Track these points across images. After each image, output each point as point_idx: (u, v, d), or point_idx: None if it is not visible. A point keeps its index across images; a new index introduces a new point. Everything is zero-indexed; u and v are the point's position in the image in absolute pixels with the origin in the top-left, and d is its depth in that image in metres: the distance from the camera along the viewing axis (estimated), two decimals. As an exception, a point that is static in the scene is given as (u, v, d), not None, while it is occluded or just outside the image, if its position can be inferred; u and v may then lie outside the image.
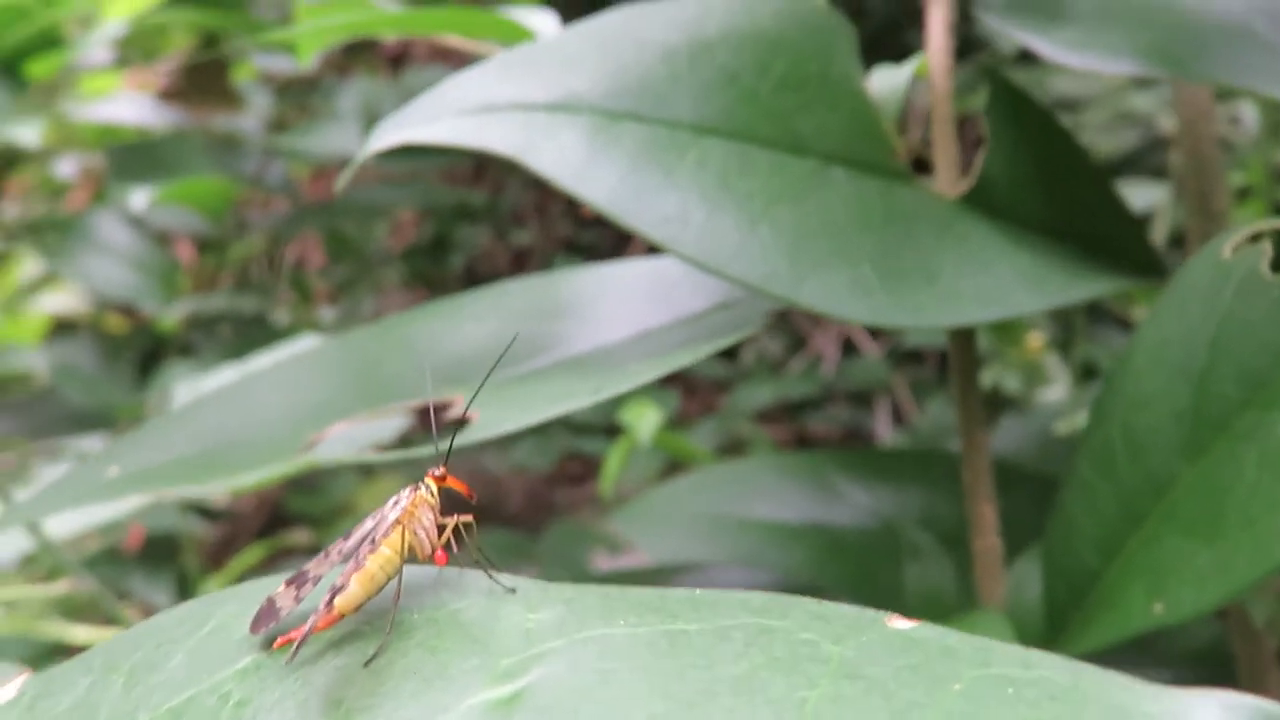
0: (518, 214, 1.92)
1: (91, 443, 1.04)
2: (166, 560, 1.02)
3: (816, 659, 0.16)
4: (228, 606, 0.22)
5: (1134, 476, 0.37)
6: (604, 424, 1.56)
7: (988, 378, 1.16)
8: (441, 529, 0.22)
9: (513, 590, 0.20)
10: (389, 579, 0.20)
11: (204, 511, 1.11)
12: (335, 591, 0.20)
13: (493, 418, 0.36)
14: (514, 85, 0.39)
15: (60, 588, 0.53)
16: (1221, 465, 0.34)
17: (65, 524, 0.57)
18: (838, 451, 0.65)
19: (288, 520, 1.52)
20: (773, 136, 0.41)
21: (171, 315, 1.14)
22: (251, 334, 1.07)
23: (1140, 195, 1.05)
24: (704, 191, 0.39)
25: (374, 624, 0.20)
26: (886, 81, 0.45)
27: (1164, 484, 0.36)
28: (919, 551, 0.45)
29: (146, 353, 1.16)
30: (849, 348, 1.69)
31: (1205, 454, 0.35)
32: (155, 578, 0.97)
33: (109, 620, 1.07)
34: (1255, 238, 0.36)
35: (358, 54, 1.58)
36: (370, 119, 1.13)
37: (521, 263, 1.86)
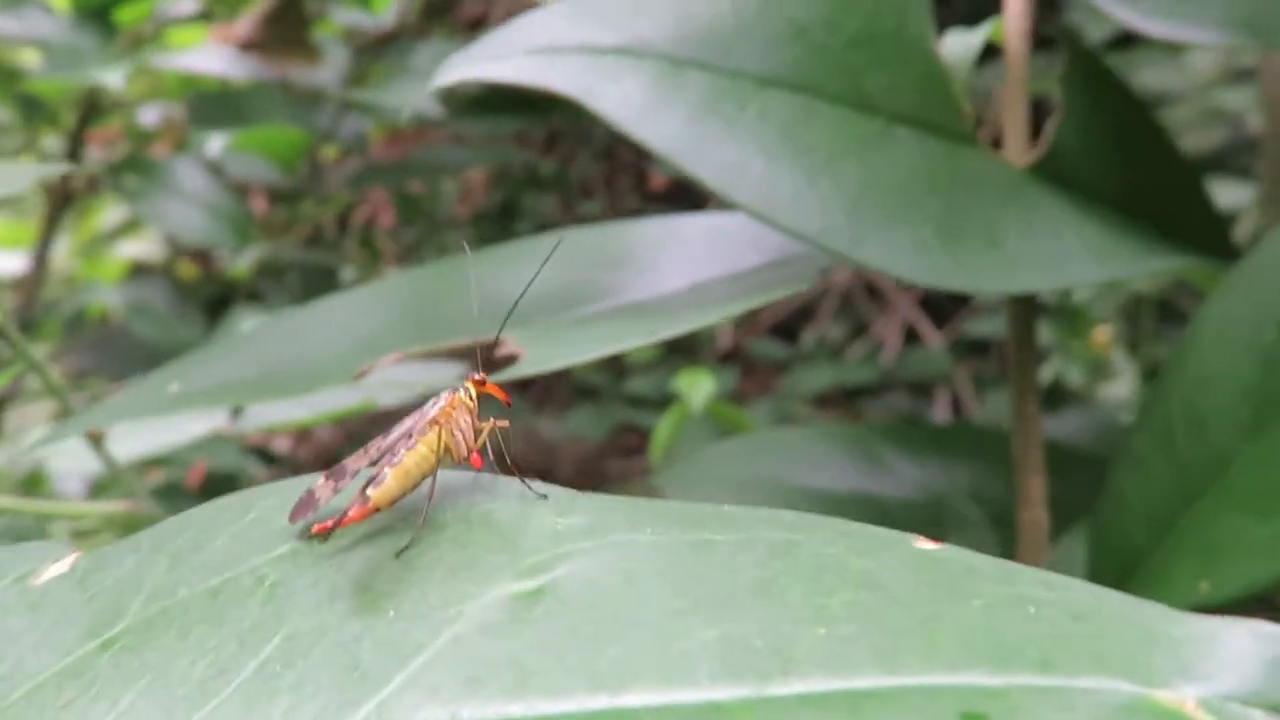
0: (586, 185, 1.92)
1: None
2: (225, 499, 1.04)
3: (838, 570, 0.16)
4: (269, 499, 0.22)
5: (1192, 454, 0.36)
6: (660, 397, 1.56)
7: (1050, 369, 1.14)
8: (478, 433, 0.22)
9: (544, 496, 0.20)
10: (424, 477, 0.21)
11: (265, 456, 1.13)
12: (370, 483, 0.20)
13: (541, 355, 0.37)
14: (581, 27, 0.39)
15: (119, 506, 0.54)
16: (1281, 443, 0.33)
17: (129, 447, 0.58)
18: (888, 425, 0.64)
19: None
20: (839, 92, 0.41)
21: (243, 263, 1.17)
22: (319, 284, 1.09)
23: (1226, 194, 1.02)
24: (763, 142, 0.38)
25: (407, 520, 0.21)
26: (959, 44, 0.44)
27: (1223, 462, 0.35)
28: (964, 523, 0.45)
29: (216, 297, 1.19)
30: (911, 336, 1.67)
31: (1268, 432, 0.34)
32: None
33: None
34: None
35: (437, 17, 1.59)
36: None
37: (587, 234, 1.86)
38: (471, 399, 0.22)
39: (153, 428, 0.63)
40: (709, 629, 0.15)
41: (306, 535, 0.20)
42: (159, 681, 0.18)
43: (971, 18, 0.48)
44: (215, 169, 1.06)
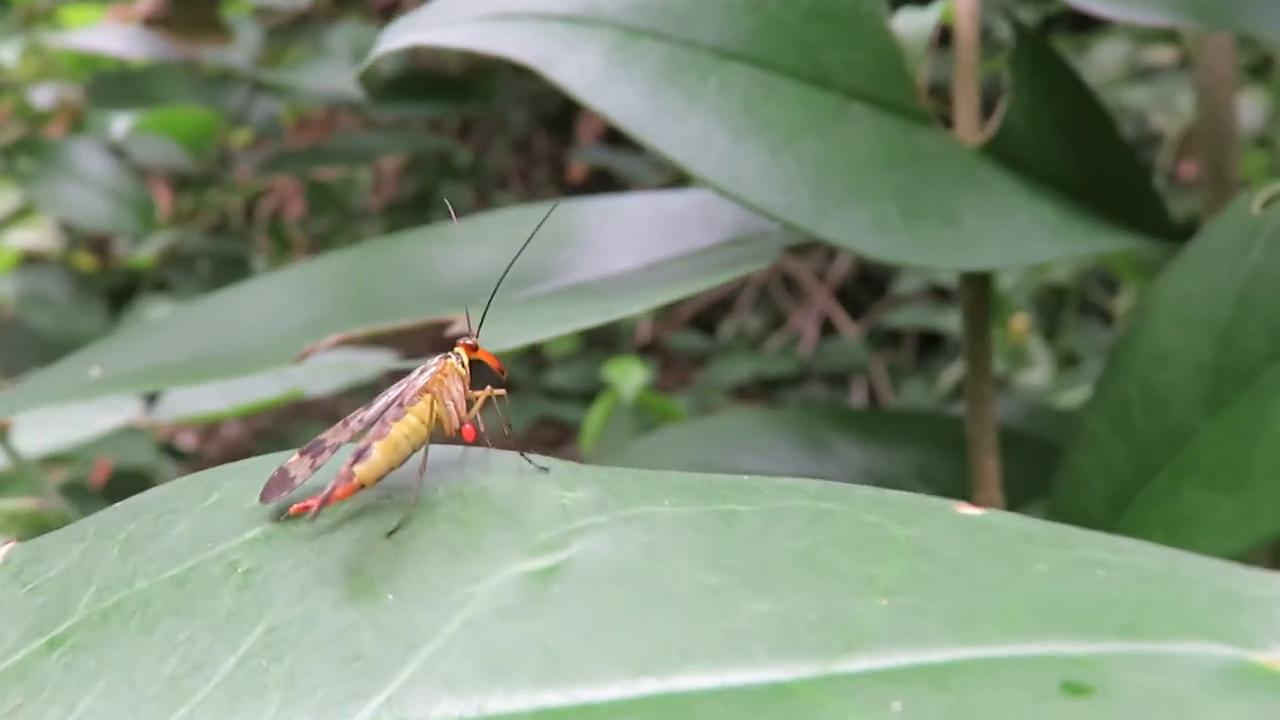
0: (502, 176, 1.89)
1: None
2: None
3: (883, 539, 0.15)
4: (232, 480, 0.20)
5: (1149, 430, 0.36)
6: (582, 390, 1.55)
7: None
8: (470, 403, 0.21)
9: (545, 469, 0.19)
10: (413, 450, 0.19)
11: (172, 452, 1.09)
12: (358, 456, 0.18)
13: (497, 333, 0.35)
14: (534, -7, 0.37)
15: (27, 504, 0.51)
16: (1245, 417, 0.33)
17: (34, 441, 0.55)
18: (830, 410, 0.64)
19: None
20: (797, 66, 0.40)
21: (146, 251, 1.11)
22: (231, 274, 1.05)
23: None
24: (726, 117, 0.37)
25: (394, 498, 0.19)
26: (912, 23, 0.44)
27: (1181, 437, 0.35)
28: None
29: (119, 288, 1.13)
30: (828, 328, 1.69)
31: (1226, 407, 0.34)
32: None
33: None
34: (1287, 192, 0.36)
35: (349, 2, 1.55)
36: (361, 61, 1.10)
37: (503, 226, 1.84)
38: (464, 366, 0.21)
39: (59, 421, 0.59)
40: (757, 603, 0.14)
41: (282, 516, 0.19)
42: (122, 681, 0.16)
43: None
44: (118, 152, 1.01)
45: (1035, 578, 0.14)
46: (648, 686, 0.13)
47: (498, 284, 0.25)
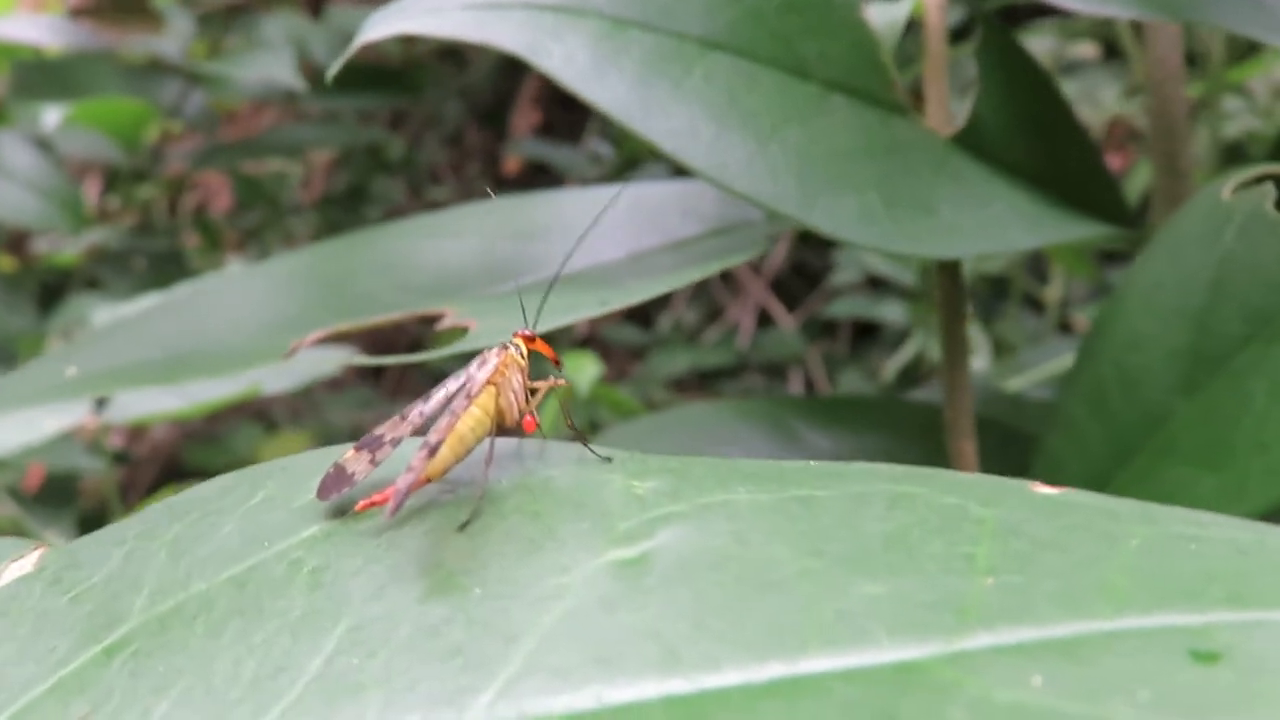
0: (434, 170, 1.87)
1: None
2: (67, 501, 0.97)
3: (969, 519, 0.16)
4: (275, 479, 0.20)
5: (1127, 412, 0.38)
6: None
7: (912, 347, 1.18)
8: (530, 394, 0.20)
9: (609, 459, 0.18)
10: (477, 442, 0.19)
11: (101, 453, 1.05)
12: (433, 448, 0.18)
13: (494, 326, 0.34)
14: (521, -17, 0.37)
15: (-21, 512, 0.49)
16: (1224, 398, 0.34)
17: (-16, 445, 0.53)
18: (796, 399, 0.64)
19: (184, 472, 1.46)
20: (777, 57, 0.40)
21: (74, 249, 1.08)
22: (165, 270, 1.02)
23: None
24: (712, 107, 0.37)
25: (457, 492, 0.19)
26: (885, 15, 0.45)
27: (1158, 419, 0.37)
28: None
29: (47, 287, 1.10)
30: (764, 319, 1.71)
31: (1204, 389, 0.35)
32: (55, 519, 0.92)
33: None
34: (1256, 180, 0.37)
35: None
36: (299, 53, 1.08)
37: (436, 220, 1.82)
38: (523, 357, 0.21)
39: (6, 427, 0.57)
40: (864, 585, 0.14)
41: (339, 514, 0.18)
42: (199, 686, 0.16)
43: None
44: (45, 145, 0.97)
45: (1130, 553, 0.14)
46: (775, 670, 0.13)
47: (548, 289, 0.25)
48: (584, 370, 0.82)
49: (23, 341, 0.91)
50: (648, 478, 0.18)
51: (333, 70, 0.37)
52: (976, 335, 1.09)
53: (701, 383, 1.74)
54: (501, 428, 0.20)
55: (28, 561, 0.20)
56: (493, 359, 0.20)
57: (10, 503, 0.50)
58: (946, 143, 0.44)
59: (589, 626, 0.15)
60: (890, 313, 1.36)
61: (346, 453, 0.19)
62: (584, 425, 1.09)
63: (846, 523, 0.16)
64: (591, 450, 0.19)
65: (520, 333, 0.21)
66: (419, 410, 0.20)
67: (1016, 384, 0.88)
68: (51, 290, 1.08)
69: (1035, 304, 1.29)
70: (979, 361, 1.05)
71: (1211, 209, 0.38)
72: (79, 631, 0.18)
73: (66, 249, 1.18)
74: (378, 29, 0.36)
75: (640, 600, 0.15)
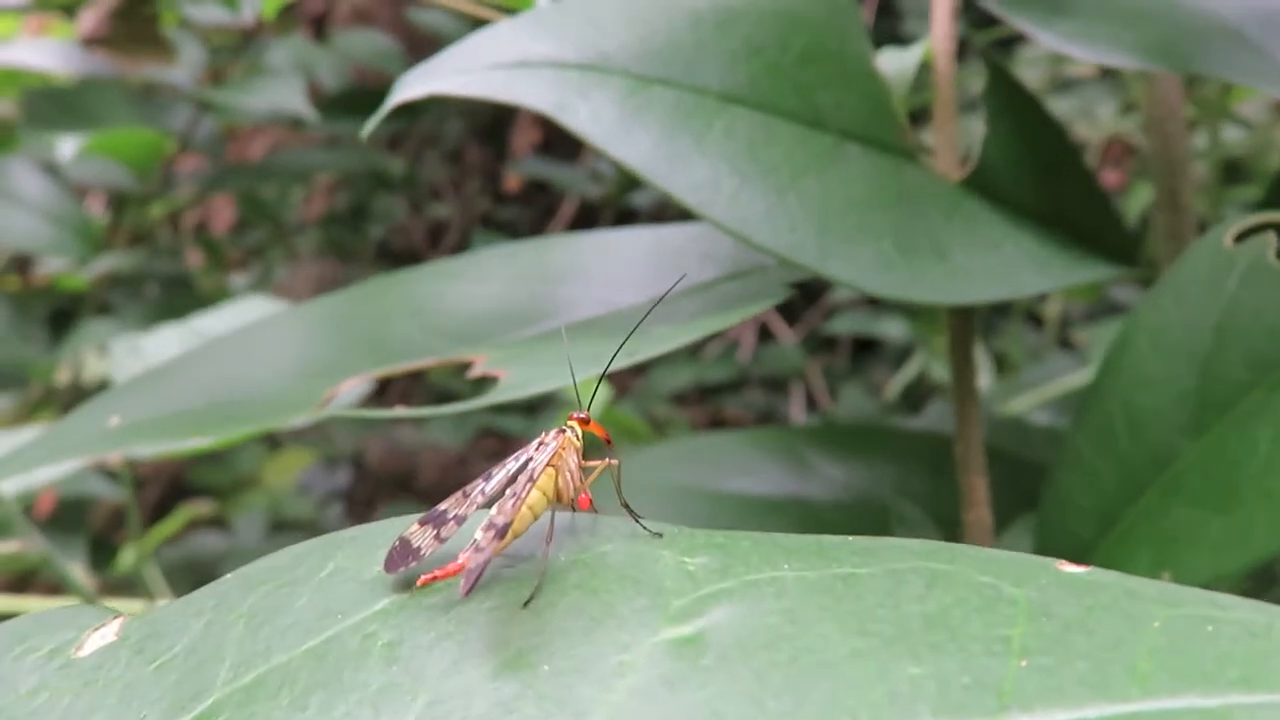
0: (435, 188, 1.89)
1: (-2, 402, 0.99)
2: (77, 527, 0.98)
3: (1003, 599, 0.17)
4: (345, 550, 0.21)
5: (1135, 452, 0.39)
6: (524, 402, 1.55)
7: (915, 365, 1.19)
8: (585, 472, 0.22)
9: (659, 535, 0.20)
10: (535, 520, 0.20)
11: (109, 476, 1.06)
12: (501, 530, 0.19)
13: (524, 375, 0.36)
14: (547, 43, 0.38)
15: (12, 546, 0.50)
16: (1228, 441, 0.35)
17: (13, 480, 0.54)
18: (809, 428, 0.66)
19: (188, 491, 1.47)
20: (795, 109, 0.42)
21: (85, 274, 1.09)
22: (176, 295, 1.03)
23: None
24: (733, 161, 0.39)
25: (517, 567, 0.20)
26: (894, 63, 0.46)
27: (1165, 459, 0.38)
28: (907, 522, 0.47)
29: (56, 312, 1.11)
30: (765, 334, 1.72)
31: (1210, 431, 0.37)
32: (68, 545, 0.93)
33: (24, 585, 1.02)
34: (1256, 229, 0.38)
35: (278, 15, 1.53)
36: (305, 78, 1.09)
37: (437, 237, 1.83)
38: (578, 439, 0.22)
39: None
40: (909, 666, 0.15)
41: (406, 588, 0.19)
42: (290, 757, 0.17)
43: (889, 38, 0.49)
44: (54, 171, 0.98)
45: (1153, 634, 0.16)
46: (835, 752, 0.14)
47: (623, 341, 0.26)
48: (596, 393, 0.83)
49: (34, 370, 0.92)
50: (697, 553, 0.19)
51: (368, 128, 0.38)
52: (978, 353, 1.10)
53: (703, 397, 1.75)
54: (558, 505, 0.21)
55: (109, 630, 0.21)
56: (552, 442, 0.21)
57: (39, 537, 0.51)
58: (956, 187, 0.45)
59: (654, 704, 0.16)
60: (891, 329, 1.37)
61: (411, 526, 0.21)
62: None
63: (889, 602, 0.17)
64: (643, 525, 0.20)
65: (575, 415, 0.22)
66: (480, 489, 0.21)
67: (1020, 405, 0.89)
68: (62, 315, 1.09)
69: (1035, 319, 1.31)
70: (980, 380, 1.06)
71: (1215, 254, 0.39)
72: (167, 702, 0.19)
73: (75, 273, 1.19)
74: (409, 90, 0.37)
75: (700, 679, 0.16)
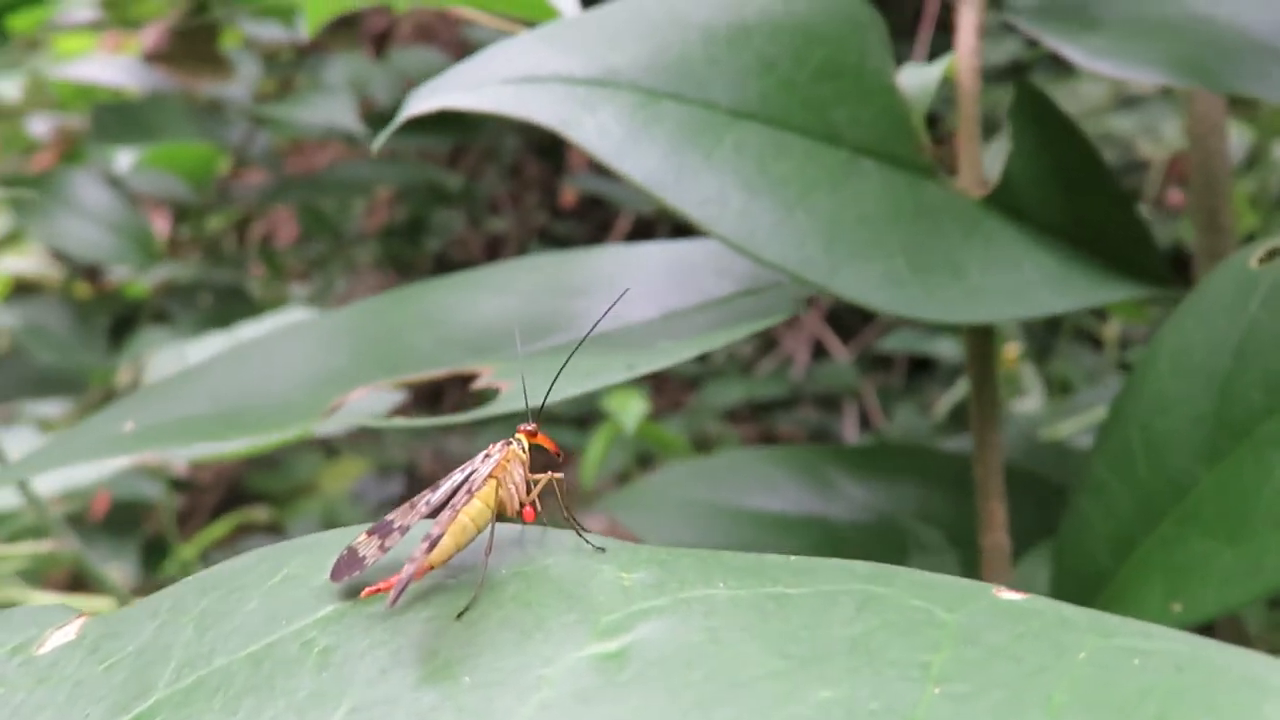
0: (493, 202, 1.91)
1: (53, 407, 1.02)
2: (131, 529, 1.00)
3: (932, 624, 0.16)
4: (297, 557, 0.21)
5: (1152, 478, 0.38)
6: (577, 415, 1.56)
7: (963, 386, 1.17)
8: (529, 485, 0.22)
9: (602, 549, 0.20)
10: (479, 532, 0.20)
11: (165, 479, 1.09)
12: (431, 542, 0.19)
13: (522, 389, 0.36)
14: (556, 58, 0.38)
15: (44, 546, 0.51)
16: (1244, 469, 0.34)
17: (52, 480, 0.55)
18: (831, 447, 0.65)
19: (246, 497, 1.50)
20: (807, 125, 0.41)
21: (145, 282, 1.12)
22: (231, 305, 1.06)
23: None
24: (741, 176, 0.39)
25: (459, 578, 0.20)
26: (916, 79, 0.45)
27: (1182, 486, 0.37)
28: (924, 546, 0.46)
29: (119, 318, 1.14)
30: (819, 351, 1.71)
31: (1226, 458, 0.35)
32: (120, 546, 0.95)
33: (80, 584, 1.05)
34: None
35: (339, 32, 1.56)
36: (360, 94, 1.11)
37: (495, 250, 1.85)
38: (524, 451, 0.22)
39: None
40: (820, 690, 0.15)
41: (351, 596, 0.20)
42: (214, 761, 0.17)
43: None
44: (116, 183, 1.01)
45: (1077, 665, 0.15)
46: (728, 774, 0.14)
47: (586, 334, 0.26)
48: (629, 408, 0.84)
49: (94, 375, 0.95)
50: (637, 569, 0.19)
51: (377, 143, 0.38)
52: (1029, 374, 1.08)
53: (755, 414, 1.74)
54: (501, 517, 0.21)
55: (70, 629, 0.21)
56: (496, 453, 0.22)
57: (72, 536, 0.52)
58: (978, 204, 0.44)
59: (564, 718, 0.16)
60: (944, 348, 1.35)
61: (359, 536, 0.21)
62: (633, 460, 1.11)
63: (815, 623, 0.17)
64: (587, 540, 0.20)
65: (522, 428, 0.23)
66: (426, 499, 0.21)
67: (1067, 428, 0.87)
68: (123, 322, 1.12)
69: (1095, 341, 1.28)
70: (1031, 402, 1.04)
71: (1239, 275, 0.38)
72: (111, 701, 0.19)
73: (140, 279, 1.22)
74: (421, 104, 0.38)
75: (614, 694, 0.16)
